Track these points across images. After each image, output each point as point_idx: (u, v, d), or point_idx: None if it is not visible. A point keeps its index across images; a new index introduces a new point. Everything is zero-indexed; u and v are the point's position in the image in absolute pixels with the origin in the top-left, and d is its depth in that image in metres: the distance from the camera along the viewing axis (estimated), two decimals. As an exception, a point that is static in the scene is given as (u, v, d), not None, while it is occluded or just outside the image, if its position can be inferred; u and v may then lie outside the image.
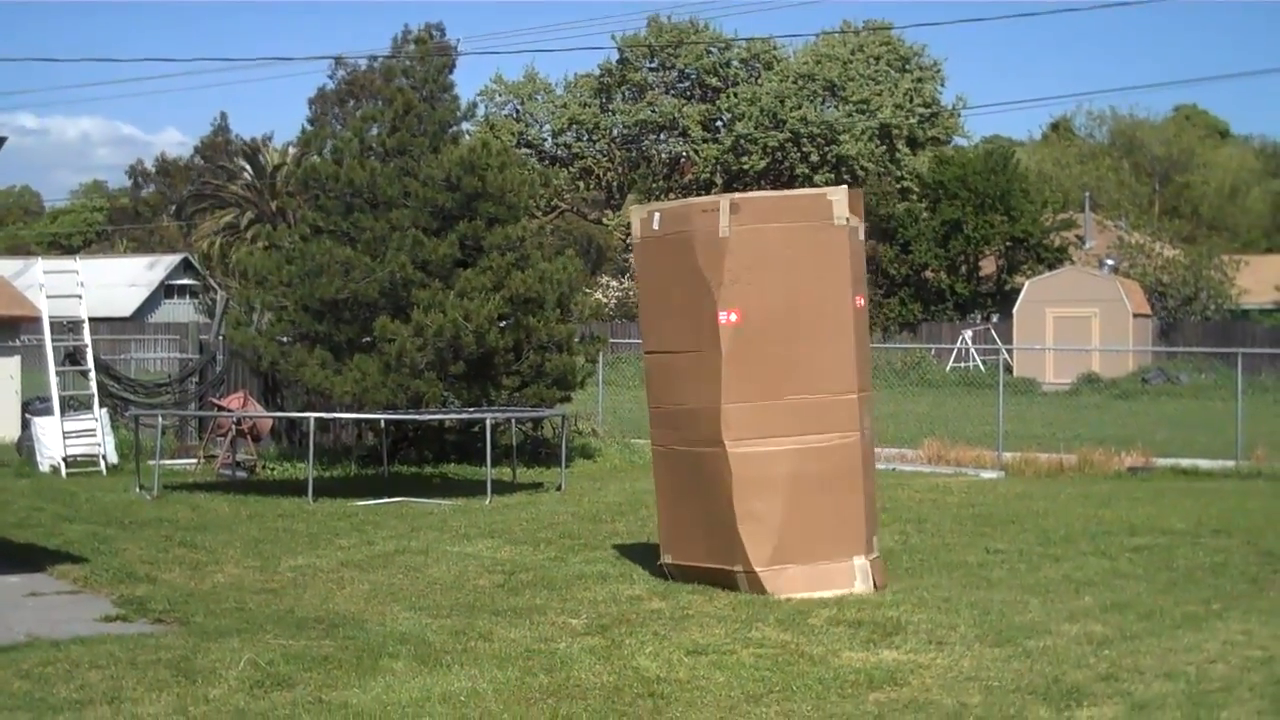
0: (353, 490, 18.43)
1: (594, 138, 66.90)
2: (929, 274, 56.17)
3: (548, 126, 67.58)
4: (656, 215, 11.59)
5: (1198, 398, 38.82)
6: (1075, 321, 46.73)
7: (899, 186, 60.19)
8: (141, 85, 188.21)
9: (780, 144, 62.68)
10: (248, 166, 66.50)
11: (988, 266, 57.03)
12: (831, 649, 9.07)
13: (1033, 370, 45.41)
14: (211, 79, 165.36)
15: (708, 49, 65.65)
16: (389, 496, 17.56)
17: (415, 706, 7.77)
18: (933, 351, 47.12)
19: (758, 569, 10.87)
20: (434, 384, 19.76)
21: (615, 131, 66.91)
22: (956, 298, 56.03)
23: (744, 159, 63.23)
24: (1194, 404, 36.78)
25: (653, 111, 65.71)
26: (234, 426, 20.42)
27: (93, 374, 21.86)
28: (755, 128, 62.69)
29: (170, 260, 73.11)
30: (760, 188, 61.06)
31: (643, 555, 12.48)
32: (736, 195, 11.39)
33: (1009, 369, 40.72)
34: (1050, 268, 53.74)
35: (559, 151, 67.39)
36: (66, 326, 22.45)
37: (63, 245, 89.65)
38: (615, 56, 66.37)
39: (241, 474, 20.14)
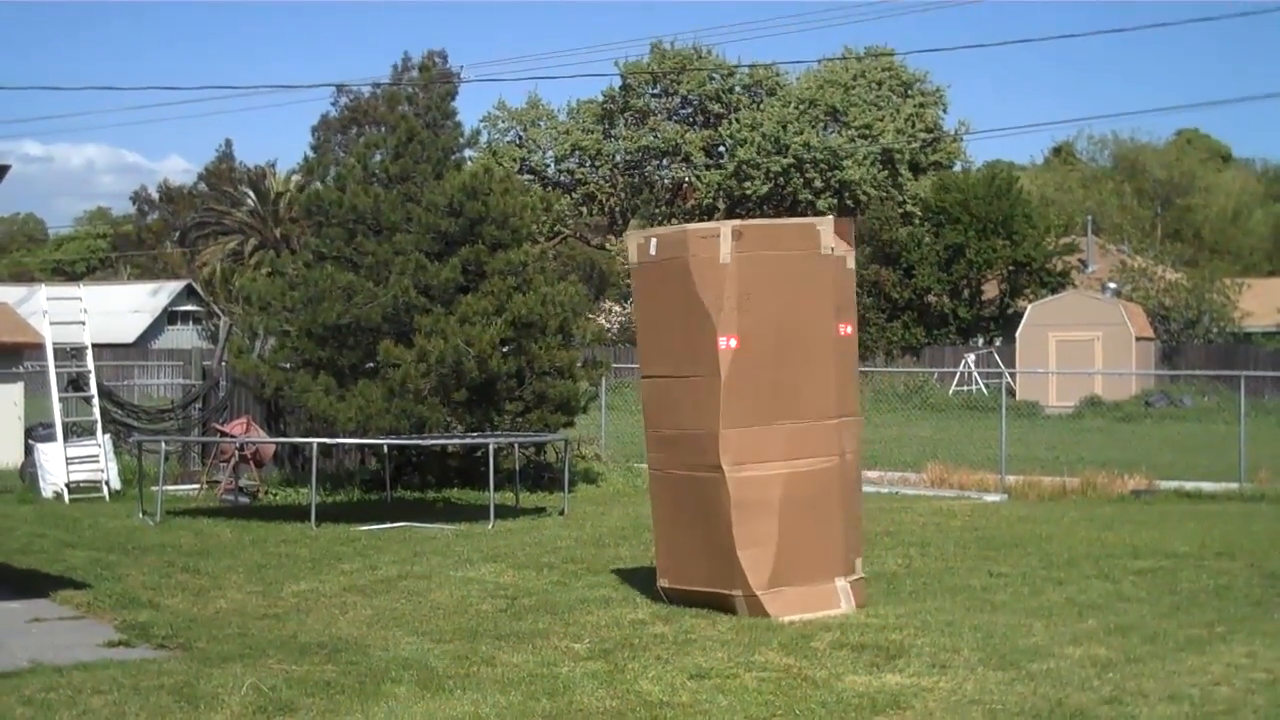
0: (356, 515, 18.43)
1: (597, 164, 67.04)
2: (932, 298, 56.24)
3: (550, 152, 67.75)
4: (654, 241, 11.62)
5: (1201, 420, 38.81)
6: (1078, 345, 46.76)
7: (901, 211, 60.27)
8: (145, 113, 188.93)
9: (783, 169, 62.79)
10: (251, 193, 66.65)
11: (990, 290, 57.09)
12: (835, 672, 9.06)
13: (1035, 394, 45.40)
14: (214, 106, 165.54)
15: (710, 75, 65.83)
16: (392, 521, 17.55)
17: (418, 731, 7.76)
18: (935, 375, 47.14)
19: (758, 592, 10.89)
20: (437, 409, 19.76)
21: (618, 157, 67.06)
22: (959, 321, 56.09)
23: (746, 184, 63.34)
24: (1197, 427, 36.77)
25: (655, 137, 65.86)
26: (237, 452, 20.43)
27: (96, 400, 21.87)
28: (758, 153, 62.80)
29: (174, 287, 73.17)
30: (763, 213, 61.21)
31: (645, 580, 12.46)
32: (736, 222, 11.44)
33: (1012, 392, 40.73)
34: (1053, 291, 53.81)
35: (562, 177, 67.53)
36: (70, 353, 22.47)
37: (66, 272, 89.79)
38: (618, 83, 66.56)
39: (244, 499, 20.14)
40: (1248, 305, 54.61)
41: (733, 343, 10.95)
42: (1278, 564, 13.54)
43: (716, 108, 65.70)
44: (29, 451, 22.10)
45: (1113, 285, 53.61)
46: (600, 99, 67.41)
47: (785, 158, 62.48)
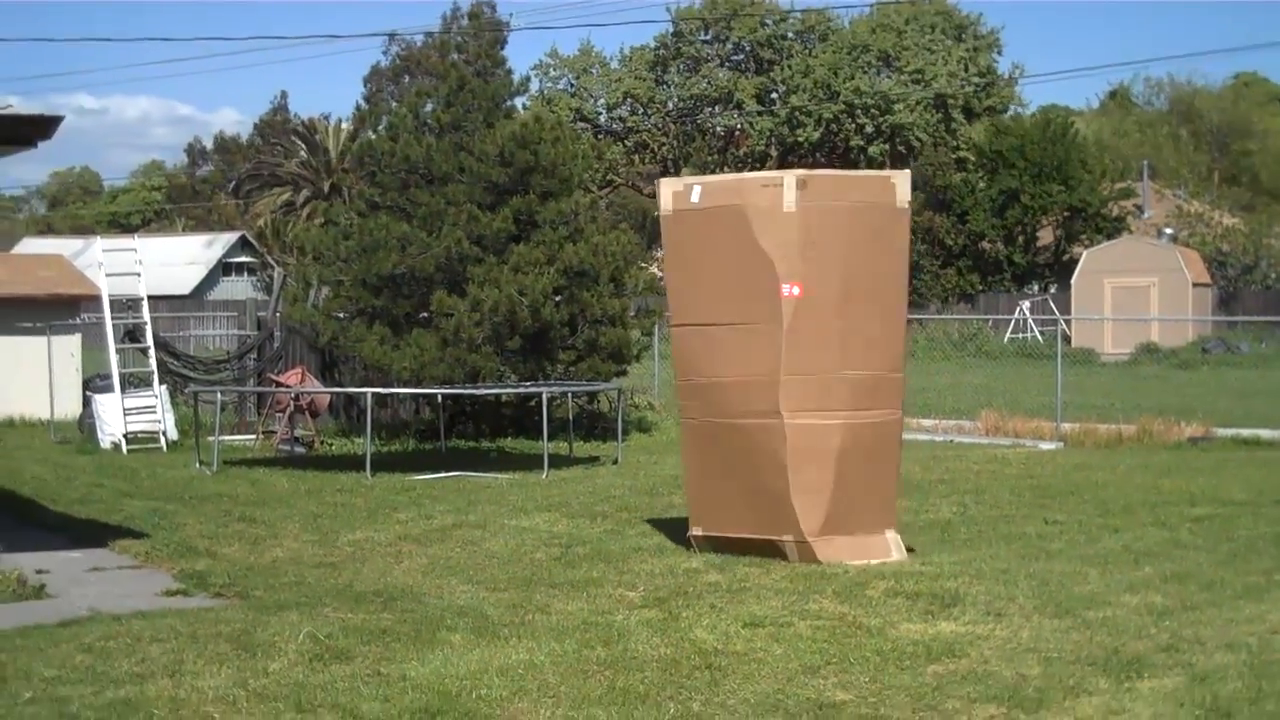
0: (410, 465, 18.51)
1: (649, 112, 66.85)
2: (986, 244, 55.87)
3: (602, 100, 67.56)
4: (696, 189, 11.56)
5: (1258, 367, 38.43)
6: (1134, 291, 46.36)
7: (955, 156, 59.84)
8: (198, 64, 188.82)
9: (835, 115, 62.42)
10: (303, 145, 66.82)
11: (1045, 237, 56.63)
12: (889, 620, 9.05)
13: (1091, 340, 45.10)
14: (265, 57, 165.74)
15: (762, 21, 65.44)
16: (446, 471, 17.61)
17: (473, 678, 7.79)
18: (990, 322, 46.87)
19: (809, 538, 10.90)
20: (491, 358, 19.81)
21: (670, 105, 66.82)
22: (1014, 268, 55.71)
23: (798, 131, 63.01)
24: (1254, 373, 36.41)
25: (707, 85, 65.57)
26: (292, 402, 20.53)
27: (152, 351, 22.02)
28: (810, 99, 62.45)
29: (228, 238, 73.45)
30: (815, 159, 60.93)
31: (699, 528, 12.46)
32: (800, 171, 11.39)
33: (1067, 339, 40.40)
34: (1108, 237, 53.31)
35: (614, 125, 67.36)
36: (126, 304, 22.62)
37: (121, 224, 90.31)
38: (670, 29, 66.26)
39: (300, 449, 20.25)
40: (1306, 250, 54.03)
41: (795, 290, 10.93)
42: (1337, 511, 13.42)
43: (768, 54, 65.33)
44: (87, 403, 22.29)
45: (1169, 231, 53.10)
46: (653, 45, 67.17)
47: (837, 104, 62.12)
